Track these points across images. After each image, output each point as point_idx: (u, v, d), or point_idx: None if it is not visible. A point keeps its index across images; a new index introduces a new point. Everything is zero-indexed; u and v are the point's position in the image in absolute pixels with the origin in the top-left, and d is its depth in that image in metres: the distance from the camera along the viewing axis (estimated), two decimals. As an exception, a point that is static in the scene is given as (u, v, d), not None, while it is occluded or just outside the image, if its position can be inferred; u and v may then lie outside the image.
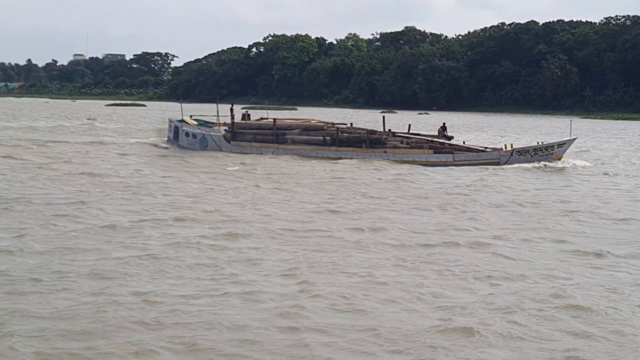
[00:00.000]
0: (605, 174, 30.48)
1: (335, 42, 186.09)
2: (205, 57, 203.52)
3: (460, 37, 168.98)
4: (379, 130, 36.24)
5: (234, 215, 17.66)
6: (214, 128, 37.89)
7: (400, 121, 64.99)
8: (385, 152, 33.48)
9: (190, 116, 41.59)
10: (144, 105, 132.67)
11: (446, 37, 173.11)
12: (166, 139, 40.62)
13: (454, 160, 32.30)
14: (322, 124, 36.97)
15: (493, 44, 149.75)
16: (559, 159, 32.51)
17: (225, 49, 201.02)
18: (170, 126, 39.98)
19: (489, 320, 10.17)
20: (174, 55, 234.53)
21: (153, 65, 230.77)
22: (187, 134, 37.72)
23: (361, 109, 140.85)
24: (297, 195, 21.79)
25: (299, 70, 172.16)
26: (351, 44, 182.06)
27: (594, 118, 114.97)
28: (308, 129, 36.14)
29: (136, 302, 10.56)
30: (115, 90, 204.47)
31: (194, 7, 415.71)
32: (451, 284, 12.13)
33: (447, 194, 23.05)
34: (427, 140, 35.03)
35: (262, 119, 39.54)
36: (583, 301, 11.19)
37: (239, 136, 36.40)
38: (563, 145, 33.11)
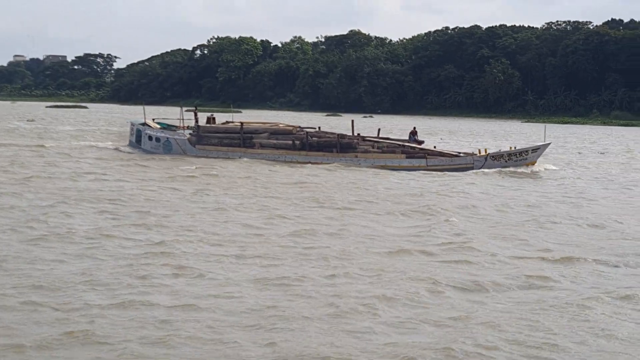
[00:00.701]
0: (578, 178, 30.32)
1: (280, 45, 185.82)
2: (149, 59, 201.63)
3: (404, 41, 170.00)
4: (348, 134, 35.33)
5: (177, 222, 16.93)
6: (178, 132, 36.44)
7: (347, 124, 64.47)
8: (356, 156, 32.55)
9: (153, 119, 40.12)
10: (85, 107, 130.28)
11: (391, 40, 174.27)
12: (127, 142, 39.01)
13: (427, 165, 31.49)
14: (291, 127, 36.09)
15: (437, 48, 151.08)
16: (533, 164, 32.07)
17: (169, 51, 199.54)
18: (132, 129, 38.45)
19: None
20: (116, 57, 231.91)
21: (95, 67, 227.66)
22: (150, 138, 36.14)
23: (306, 112, 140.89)
24: (264, 202, 20.51)
25: (244, 73, 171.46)
26: (296, 47, 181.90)
27: (536, 122, 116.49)
28: (276, 132, 35.15)
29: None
30: (56, 92, 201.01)
31: (138, 9, 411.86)
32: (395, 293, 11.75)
33: (416, 199, 22.11)
34: (399, 144, 34.20)
35: (227, 122, 38.38)
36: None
37: (205, 140, 34.90)
38: (537, 150, 32.70)
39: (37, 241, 13.83)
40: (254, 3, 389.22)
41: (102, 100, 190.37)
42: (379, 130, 38.21)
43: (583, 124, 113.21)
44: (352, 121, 37.49)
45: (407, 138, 37.66)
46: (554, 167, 33.35)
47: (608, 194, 25.17)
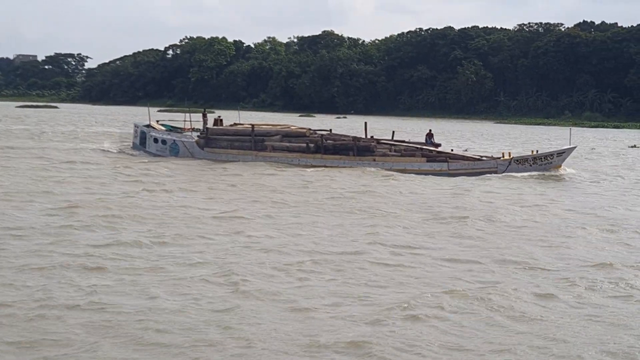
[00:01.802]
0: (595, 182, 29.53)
1: (253, 45, 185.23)
2: (121, 58, 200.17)
3: (377, 42, 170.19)
4: (361, 137, 34.11)
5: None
6: (185, 134, 35.57)
7: (321, 125, 64.36)
8: (374, 160, 31.41)
9: (157, 121, 39.20)
10: (56, 107, 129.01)
11: (364, 41, 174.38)
12: (131, 144, 38.03)
13: (449, 170, 30.31)
14: (305, 130, 34.64)
15: (410, 49, 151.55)
16: (558, 168, 31.00)
17: (141, 50, 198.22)
18: (136, 131, 37.33)
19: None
20: (87, 57, 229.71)
21: (66, 67, 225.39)
22: (155, 140, 35.20)
23: (279, 113, 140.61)
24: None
25: (216, 73, 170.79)
26: (269, 48, 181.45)
27: (508, 123, 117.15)
28: (289, 135, 33.84)
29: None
30: (26, 92, 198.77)
31: (110, 8, 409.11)
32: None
33: (443, 206, 20.87)
34: (417, 147, 33.02)
35: (235, 124, 36.98)
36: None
37: (214, 142, 33.89)
38: (562, 154, 31.53)
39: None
40: (227, 3, 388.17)
41: (73, 100, 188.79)
42: (393, 132, 36.95)
43: (555, 125, 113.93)
44: (365, 123, 36.31)
45: (429, 141, 36.02)
46: (573, 171, 32.00)
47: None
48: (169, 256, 13.28)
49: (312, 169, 29.99)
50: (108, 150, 36.68)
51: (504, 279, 12.49)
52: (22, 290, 10.84)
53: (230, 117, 77.15)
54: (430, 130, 37.97)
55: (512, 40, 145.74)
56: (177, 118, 45.91)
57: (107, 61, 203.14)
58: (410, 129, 71.79)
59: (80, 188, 21.74)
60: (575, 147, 33.43)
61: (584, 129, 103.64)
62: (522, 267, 13.41)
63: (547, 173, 30.27)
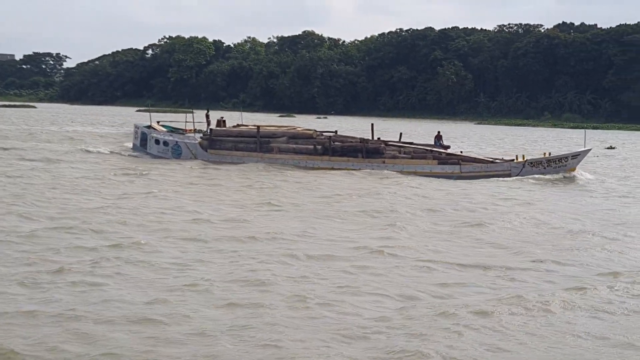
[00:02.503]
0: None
1: (233, 45, 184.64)
2: (99, 58, 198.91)
3: (358, 43, 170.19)
4: (367, 138, 33.30)
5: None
6: (188, 135, 35.01)
7: (302, 125, 63.92)
8: (384, 162, 30.79)
9: (158, 122, 38.47)
10: (34, 107, 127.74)
11: (344, 42, 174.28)
12: (131, 146, 37.28)
13: (461, 172, 29.76)
14: (311, 131, 34.02)
15: (390, 50, 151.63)
16: (573, 171, 30.32)
17: (119, 50, 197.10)
18: (136, 132, 36.59)
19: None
20: (66, 56, 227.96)
21: (44, 66, 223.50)
22: (157, 142, 34.53)
23: (259, 113, 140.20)
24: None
25: (196, 73, 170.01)
26: (249, 48, 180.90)
27: (488, 124, 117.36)
28: (296, 137, 33.16)
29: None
30: (4, 91, 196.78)
31: (89, 7, 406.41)
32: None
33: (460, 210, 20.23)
34: (426, 149, 32.38)
35: (238, 125, 36.34)
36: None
37: (218, 144, 33.32)
38: (577, 156, 30.86)
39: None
40: (206, 2, 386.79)
41: (51, 99, 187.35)
42: (400, 134, 36.38)
43: (534, 126, 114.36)
44: (372, 124, 35.29)
45: (438, 143, 35.34)
46: (589, 175, 31.28)
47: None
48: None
49: (330, 172, 29.54)
50: (112, 152, 36.07)
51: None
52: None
53: (211, 117, 76.96)
54: (438, 132, 37.24)
55: (492, 41, 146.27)
56: (178, 119, 45.04)
57: (85, 60, 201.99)
58: (393, 130, 71.48)
59: (103, 201, 19.91)
60: (590, 150, 32.79)
61: (563, 129, 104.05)
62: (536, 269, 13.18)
63: (561, 175, 29.78)
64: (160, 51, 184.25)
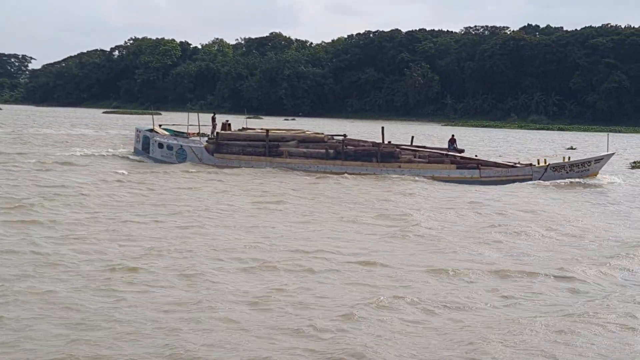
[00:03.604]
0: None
1: (200, 46, 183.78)
2: (65, 59, 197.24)
3: (325, 44, 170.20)
4: (378, 142, 32.20)
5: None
6: (192, 139, 34.03)
7: (274, 125, 63.61)
8: (399, 166, 29.96)
9: (160, 125, 37.57)
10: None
11: (312, 43, 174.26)
12: (132, 150, 36.43)
13: (481, 177, 29.01)
14: (322, 135, 33.28)
15: (358, 52, 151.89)
16: (595, 175, 29.69)
17: (85, 51, 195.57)
18: (138, 136, 35.66)
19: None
20: (31, 58, 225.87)
21: (9, 67, 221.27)
22: (160, 145, 33.69)
23: (227, 115, 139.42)
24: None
25: (163, 75, 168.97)
26: (216, 49, 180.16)
27: (455, 125, 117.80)
28: (306, 140, 32.46)
29: None
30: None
31: (54, 8, 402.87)
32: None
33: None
34: (441, 153, 31.68)
35: (244, 128, 35.58)
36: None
37: (225, 148, 32.35)
38: (600, 160, 30.23)
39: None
40: (174, 3, 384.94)
41: (17, 101, 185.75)
42: (412, 138, 35.48)
43: (501, 127, 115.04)
44: (382, 128, 34.00)
45: (452, 147, 34.54)
46: (618, 180, 30.57)
47: None
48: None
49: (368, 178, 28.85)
50: (115, 156, 35.11)
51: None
52: None
53: (177, 119, 75.87)
54: (452, 136, 36.45)
55: (458, 43, 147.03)
56: (181, 122, 44.25)
57: (51, 62, 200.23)
58: (364, 131, 71.51)
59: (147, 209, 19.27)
60: (613, 154, 32.18)
61: (530, 131, 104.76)
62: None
63: (583, 180, 29.15)
64: (126, 52, 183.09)
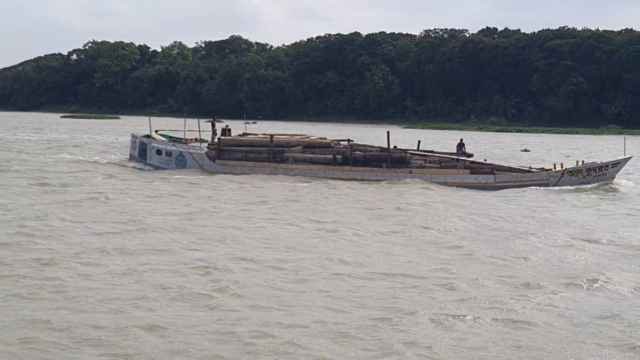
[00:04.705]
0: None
1: (159, 50, 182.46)
2: (22, 63, 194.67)
3: (285, 47, 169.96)
4: (384, 146, 31.10)
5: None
6: (193, 145, 33.08)
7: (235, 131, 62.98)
8: (410, 172, 29.05)
9: (156, 131, 36.36)
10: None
11: (272, 46, 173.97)
12: (128, 156, 35.47)
13: (495, 182, 28.23)
14: (329, 140, 32.22)
15: (318, 55, 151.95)
16: (612, 179, 28.95)
17: (43, 55, 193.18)
18: (134, 142, 34.61)
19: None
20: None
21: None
22: (158, 152, 32.65)
23: (188, 118, 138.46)
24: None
25: (122, 78, 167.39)
26: (176, 53, 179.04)
27: (415, 127, 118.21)
28: (312, 146, 31.39)
29: None
30: None
31: (10, 11, 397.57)
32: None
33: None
34: (452, 158, 30.86)
35: (245, 134, 34.34)
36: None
37: (227, 154, 31.34)
38: (617, 164, 29.51)
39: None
40: (133, 6, 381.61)
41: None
42: (418, 142, 34.58)
43: (460, 129, 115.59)
44: (388, 132, 32.23)
45: (461, 151, 33.87)
46: (631, 183, 29.92)
47: None
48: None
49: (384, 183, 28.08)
50: (109, 163, 34.03)
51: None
52: None
53: (135, 123, 75.46)
54: (461, 140, 35.67)
55: (418, 46, 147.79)
56: (177, 127, 43.21)
57: (8, 66, 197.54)
58: (327, 134, 71.26)
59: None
60: (631, 157, 31.31)
61: (489, 133, 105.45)
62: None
63: (601, 185, 28.38)
64: (85, 56, 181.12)
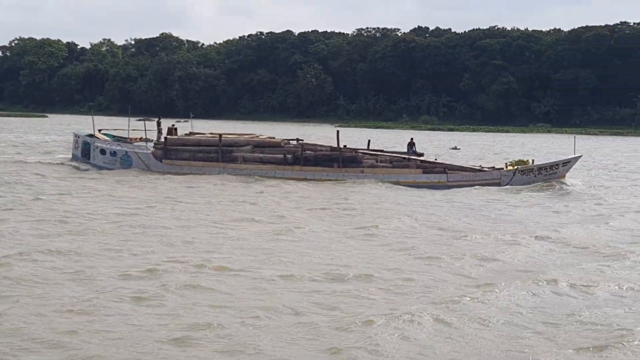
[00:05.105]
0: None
1: (88, 47, 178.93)
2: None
3: (217, 45, 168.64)
4: (333, 146, 30.90)
5: None
6: (137, 144, 32.29)
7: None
8: (362, 172, 28.94)
9: (99, 130, 35.29)
10: None
11: (203, 44, 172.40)
12: (70, 156, 34.37)
13: (448, 182, 28.27)
14: (279, 139, 31.84)
15: (250, 53, 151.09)
16: (563, 178, 29.32)
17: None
18: (76, 142, 33.70)
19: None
20: None
21: None
22: (103, 151, 31.87)
23: (116, 117, 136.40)
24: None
25: (49, 76, 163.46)
26: (105, 50, 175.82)
27: (348, 126, 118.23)
28: (262, 145, 30.99)
29: None
30: None
31: None
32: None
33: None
34: (403, 157, 30.67)
35: (191, 133, 33.80)
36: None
37: (174, 154, 30.76)
38: (568, 163, 29.94)
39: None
40: (61, 3, 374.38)
41: None
42: (368, 141, 34.33)
43: (393, 128, 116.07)
44: (338, 132, 32.23)
45: (412, 151, 33.73)
46: (578, 182, 30.29)
47: None
48: None
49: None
50: (50, 163, 32.80)
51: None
52: None
53: (64, 121, 73.53)
54: (411, 139, 35.60)
55: (350, 44, 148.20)
56: (122, 126, 42.15)
57: None
58: (260, 133, 70.48)
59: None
60: (580, 156, 31.92)
61: (421, 131, 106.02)
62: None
63: (552, 183, 28.67)
64: (10, 53, 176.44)
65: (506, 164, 30.85)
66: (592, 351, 9.17)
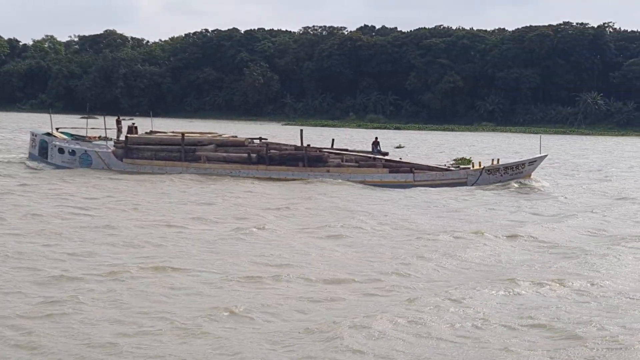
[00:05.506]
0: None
1: (30, 44, 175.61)
2: None
3: (162, 43, 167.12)
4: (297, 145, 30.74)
5: None
6: (97, 143, 31.68)
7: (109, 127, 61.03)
8: (328, 171, 28.75)
9: (57, 129, 34.25)
10: None
11: (148, 42, 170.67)
12: (27, 155, 33.45)
13: (414, 181, 28.13)
14: (243, 138, 31.61)
15: (196, 51, 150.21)
16: (529, 177, 29.54)
17: None
18: (33, 140, 32.83)
19: None
20: None
21: None
22: (61, 150, 31.15)
23: (59, 114, 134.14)
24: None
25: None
26: (48, 46, 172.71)
27: (295, 124, 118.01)
28: (225, 144, 30.69)
29: None
30: None
31: None
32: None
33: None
34: (369, 157, 30.62)
35: (152, 132, 33.30)
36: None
37: (135, 153, 30.29)
38: (534, 162, 30.15)
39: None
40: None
41: None
42: (332, 140, 34.25)
43: (340, 126, 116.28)
44: (301, 130, 31.92)
45: (376, 150, 33.39)
46: (545, 182, 30.56)
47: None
48: None
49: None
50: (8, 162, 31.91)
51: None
52: None
53: (6, 118, 72.05)
54: (376, 138, 35.45)
55: (297, 42, 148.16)
56: (79, 125, 41.16)
57: None
58: (207, 131, 69.89)
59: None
60: (546, 156, 32.23)
61: (367, 130, 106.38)
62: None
63: (519, 182, 28.89)
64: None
65: (472, 163, 31.23)
66: (557, 348, 9.24)
